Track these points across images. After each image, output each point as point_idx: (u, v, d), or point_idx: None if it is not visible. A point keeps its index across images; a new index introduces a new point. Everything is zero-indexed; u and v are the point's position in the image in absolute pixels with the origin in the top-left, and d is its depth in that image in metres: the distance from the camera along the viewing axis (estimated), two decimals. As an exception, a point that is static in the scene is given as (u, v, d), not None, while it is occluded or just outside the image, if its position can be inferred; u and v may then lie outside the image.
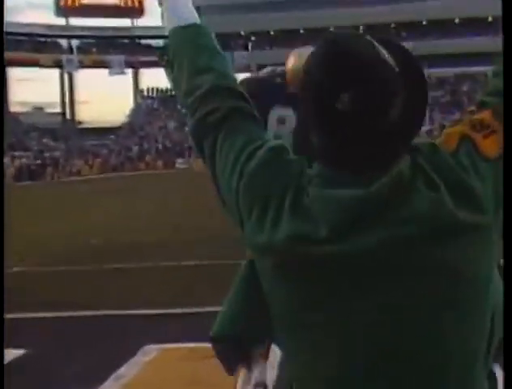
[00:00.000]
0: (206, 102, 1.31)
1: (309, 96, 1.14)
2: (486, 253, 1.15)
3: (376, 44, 1.13)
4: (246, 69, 45.40)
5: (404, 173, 1.13)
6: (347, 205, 1.11)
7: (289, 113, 3.26)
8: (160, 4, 1.49)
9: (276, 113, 3.29)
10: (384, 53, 1.13)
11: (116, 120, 60.62)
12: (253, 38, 59.71)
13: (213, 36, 1.43)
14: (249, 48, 59.74)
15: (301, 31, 56.01)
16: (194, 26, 1.43)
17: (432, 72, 48.21)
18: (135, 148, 50.94)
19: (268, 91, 3.16)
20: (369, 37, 1.14)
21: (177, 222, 12.45)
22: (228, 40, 57.53)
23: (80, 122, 64.20)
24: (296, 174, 1.19)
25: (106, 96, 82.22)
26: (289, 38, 53.15)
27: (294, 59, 3.09)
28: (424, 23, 55.66)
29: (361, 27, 56.20)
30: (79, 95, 64.73)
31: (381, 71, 1.11)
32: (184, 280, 7.23)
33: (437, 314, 1.11)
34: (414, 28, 55.55)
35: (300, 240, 1.12)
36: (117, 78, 61.97)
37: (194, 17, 1.45)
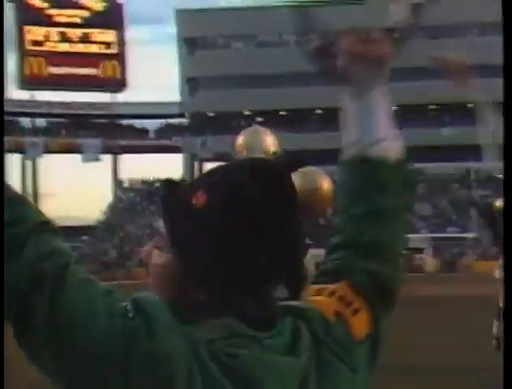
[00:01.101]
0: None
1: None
2: None
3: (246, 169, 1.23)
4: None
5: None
6: None
7: None
8: None
9: None
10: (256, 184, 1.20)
11: (89, 217, 59.69)
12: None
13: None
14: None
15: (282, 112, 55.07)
16: None
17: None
18: (113, 252, 50.67)
19: None
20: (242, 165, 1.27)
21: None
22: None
23: (44, 220, 62.54)
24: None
25: (77, 188, 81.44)
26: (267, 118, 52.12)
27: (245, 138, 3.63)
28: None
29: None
30: (44, 186, 63.47)
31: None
32: None
33: None
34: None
35: None
36: (92, 165, 61.20)
37: None
